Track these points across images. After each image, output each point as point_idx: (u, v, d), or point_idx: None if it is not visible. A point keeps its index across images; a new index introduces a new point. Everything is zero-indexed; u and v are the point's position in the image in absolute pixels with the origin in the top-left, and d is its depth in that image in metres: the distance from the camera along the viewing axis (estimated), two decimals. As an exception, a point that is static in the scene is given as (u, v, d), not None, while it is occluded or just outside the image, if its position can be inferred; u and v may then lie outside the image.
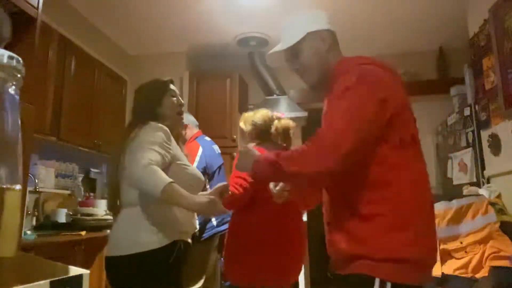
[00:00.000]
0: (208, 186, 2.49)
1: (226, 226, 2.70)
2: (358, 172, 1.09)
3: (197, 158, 2.55)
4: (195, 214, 1.67)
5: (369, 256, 1.03)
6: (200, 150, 2.61)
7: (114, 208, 1.58)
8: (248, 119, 2.21)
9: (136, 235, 1.44)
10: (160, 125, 1.55)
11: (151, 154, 1.42)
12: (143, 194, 1.45)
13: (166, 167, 1.48)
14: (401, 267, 1.01)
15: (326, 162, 1.03)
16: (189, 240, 1.60)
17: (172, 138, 1.58)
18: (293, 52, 1.25)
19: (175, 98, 1.70)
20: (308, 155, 1.07)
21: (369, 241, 1.04)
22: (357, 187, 1.09)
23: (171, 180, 1.35)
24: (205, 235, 2.54)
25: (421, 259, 1.04)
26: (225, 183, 1.61)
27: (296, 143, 4.62)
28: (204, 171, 2.51)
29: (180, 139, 1.80)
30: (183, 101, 1.77)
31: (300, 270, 2.11)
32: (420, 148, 1.15)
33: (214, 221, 2.59)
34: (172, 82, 1.75)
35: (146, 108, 1.65)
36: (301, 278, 3.38)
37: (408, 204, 1.05)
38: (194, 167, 1.74)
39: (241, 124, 2.24)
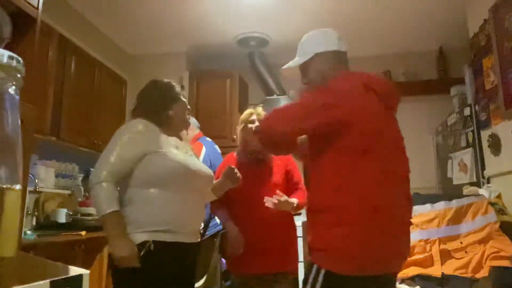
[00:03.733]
0: None
1: None
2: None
3: (201, 158, 2.57)
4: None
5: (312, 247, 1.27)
6: (204, 150, 2.63)
7: None
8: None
9: None
10: None
11: None
12: None
13: None
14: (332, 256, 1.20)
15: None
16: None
17: None
18: (302, 69, 1.43)
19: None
20: None
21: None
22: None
23: None
24: (208, 232, 2.55)
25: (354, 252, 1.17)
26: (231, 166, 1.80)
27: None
28: None
29: None
30: None
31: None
32: (383, 159, 1.22)
33: (218, 219, 2.60)
34: (183, 89, 1.91)
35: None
36: (300, 278, 3.37)
37: (350, 206, 1.19)
38: None
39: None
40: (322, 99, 1.25)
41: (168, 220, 1.45)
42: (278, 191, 1.91)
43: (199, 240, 1.67)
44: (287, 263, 2.07)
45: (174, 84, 1.75)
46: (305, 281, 1.25)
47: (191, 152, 1.75)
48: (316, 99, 1.27)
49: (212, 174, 1.76)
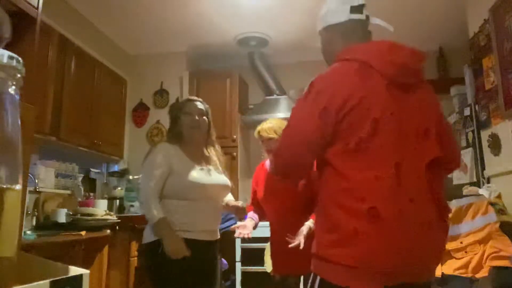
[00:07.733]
0: None
1: (229, 223, 2.70)
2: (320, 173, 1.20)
3: None
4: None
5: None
6: None
7: None
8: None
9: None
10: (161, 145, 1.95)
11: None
12: None
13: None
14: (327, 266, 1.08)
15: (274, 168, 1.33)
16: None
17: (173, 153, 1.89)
18: (320, 35, 1.40)
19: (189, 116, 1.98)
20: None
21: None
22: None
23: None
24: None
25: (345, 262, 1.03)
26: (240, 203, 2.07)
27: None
28: None
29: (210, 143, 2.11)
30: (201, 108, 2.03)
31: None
32: (376, 154, 1.06)
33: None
34: (188, 100, 2.07)
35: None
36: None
37: (335, 212, 1.07)
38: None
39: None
40: (315, 106, 1.11)
41: (184, 222, 1.81)
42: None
43: (215, 238, 1.97)
44: None
45: (183, 100, 2.09)
46: None
47: (211, 165, 1.98)
48: (307, 109, 1.15)
49: (227, 183, 2.00)
